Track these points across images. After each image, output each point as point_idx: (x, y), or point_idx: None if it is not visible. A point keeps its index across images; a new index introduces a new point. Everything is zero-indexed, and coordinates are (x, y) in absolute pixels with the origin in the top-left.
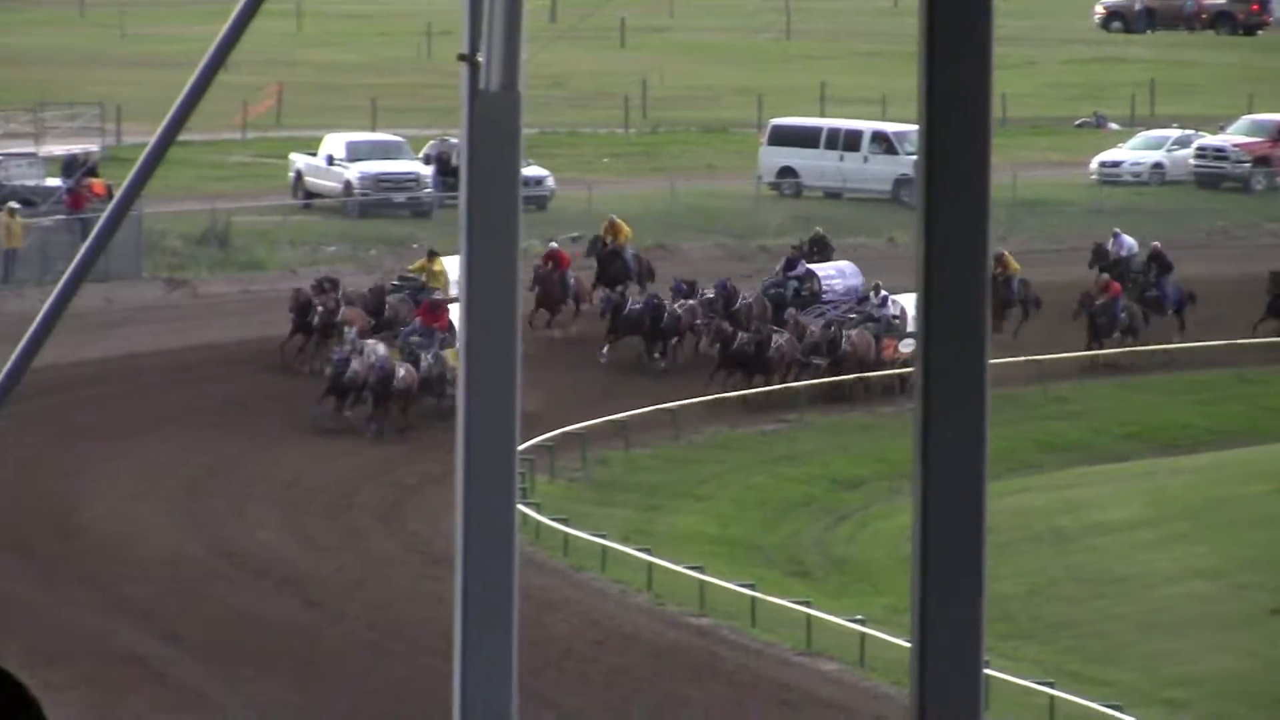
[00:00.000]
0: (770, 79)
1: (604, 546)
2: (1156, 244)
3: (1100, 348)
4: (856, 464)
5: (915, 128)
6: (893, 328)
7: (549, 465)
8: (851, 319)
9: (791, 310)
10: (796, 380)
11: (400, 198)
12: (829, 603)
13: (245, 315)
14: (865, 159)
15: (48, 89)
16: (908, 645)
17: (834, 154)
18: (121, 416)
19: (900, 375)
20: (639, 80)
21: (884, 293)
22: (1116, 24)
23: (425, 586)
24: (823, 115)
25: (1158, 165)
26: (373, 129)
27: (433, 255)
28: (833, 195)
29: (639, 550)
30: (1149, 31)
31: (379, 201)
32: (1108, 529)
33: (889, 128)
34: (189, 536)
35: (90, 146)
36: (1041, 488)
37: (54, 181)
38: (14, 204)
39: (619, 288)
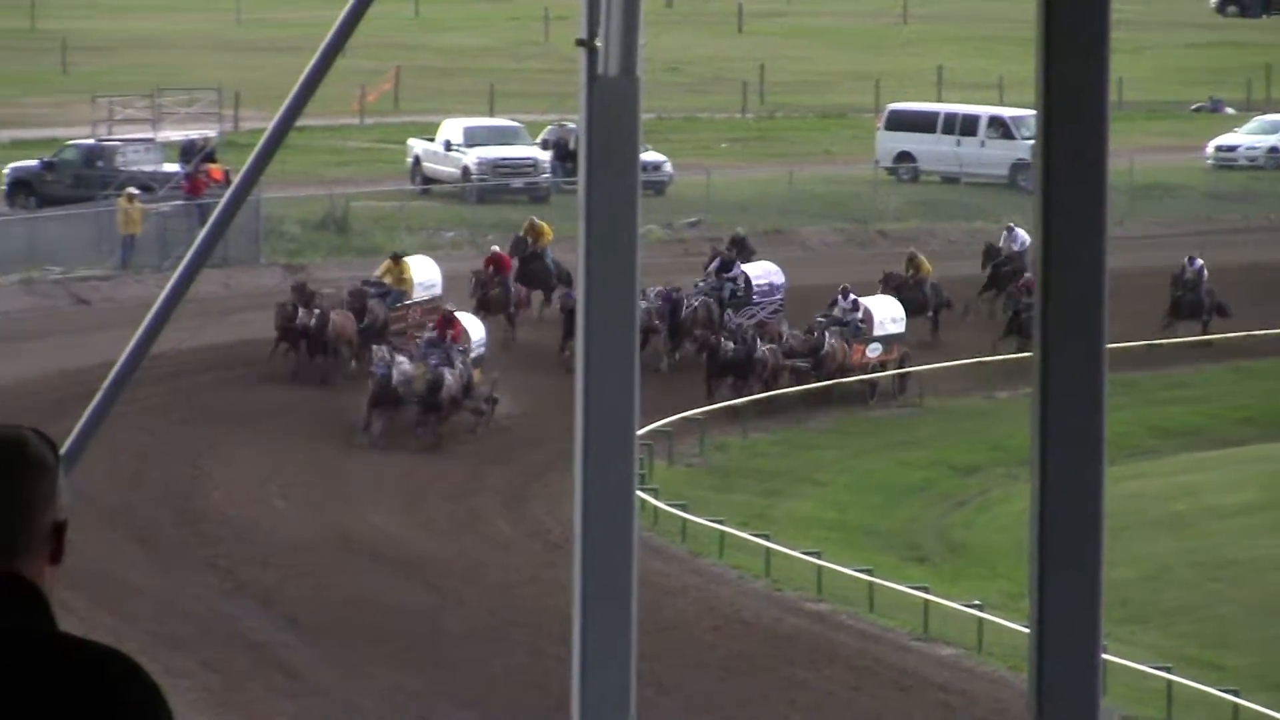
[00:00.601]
0: (887, 64)
1: (722, 532)
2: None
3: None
4: (974, 449)
5: (1032, 112)
6: (860, 332)
7: (667, 451)
8: (769, 315)
9: (729, 313)
10: (779, 386)
11: (518, 183)
12: (946, 588)
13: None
14: (982, 144)
15: (165, 74)
16: (1025, 630)
17: (951, 139)
18: (240, 402)
19: (872, 381)
20: (756, 65)
21: (852, 296)
22: (1232, 8)
23: (545, 572)
24: (940, 100)
25: (1273, 149)
26: (490, 114)
27: (397, 258)
28: (950, 180)
29: (757, 536)
30: (1265, 16)
31: (497, 187)
32: (1224, 514)
33: (1006, 112)
34: (309, 522)
35: (208, 132)
36: (1157, 473)
37: (171, 167)
38: (133, 190)
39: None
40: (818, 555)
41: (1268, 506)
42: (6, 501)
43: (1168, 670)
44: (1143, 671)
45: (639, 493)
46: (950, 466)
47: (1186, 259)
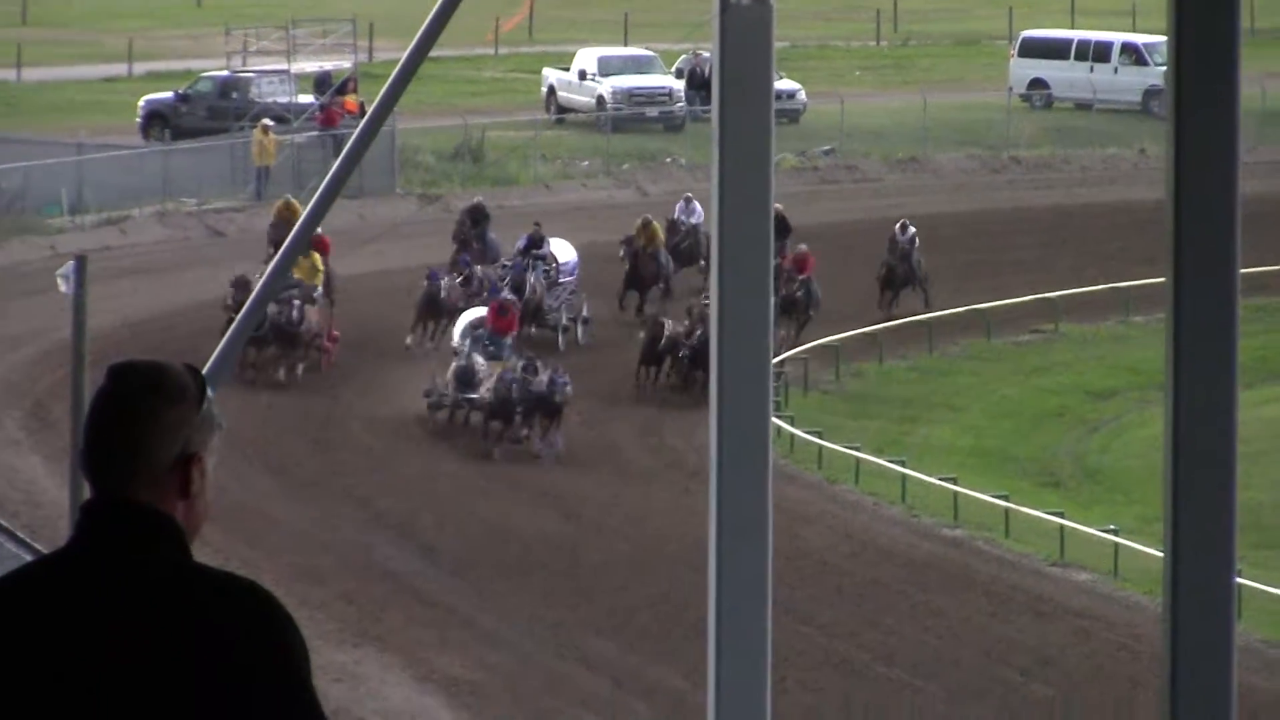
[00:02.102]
0: None
1: (858, 459)
2: (778, 205)
3: (800, 330)
4: (1110, 374)
5: (1165, 39)
6: None
7: (803, 378)
8: (569, 295)
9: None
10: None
11: (653, 112)
12: (1082, 513)
13: (499, 231)
14: (1115, 70)
15: (298, 6)
16: (1160, 555)
17: (1084, 65)
18: (373, 333)
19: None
20: None
21: None
22: None
23: (681, 500)
24: (1072, 27)
25: None
26: (625, 43)
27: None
28: (1083, 106)
29: (893, 462)
30: None
31: (631, 116)
32: None
33: (1139, 39)
34: (444, 451)
35: (342, 63)
36: None
37: (306, 98)
38: (267, 121)
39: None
40: (953, 481)
41: None
42: (122, 429)
43: None
44: (1277, 595)
45: (775, 420)
46: (1086, 391)
47: None
